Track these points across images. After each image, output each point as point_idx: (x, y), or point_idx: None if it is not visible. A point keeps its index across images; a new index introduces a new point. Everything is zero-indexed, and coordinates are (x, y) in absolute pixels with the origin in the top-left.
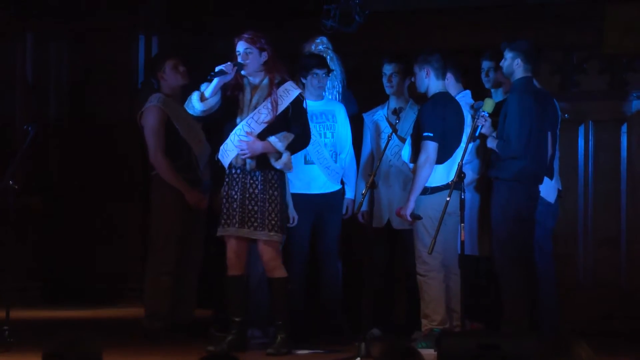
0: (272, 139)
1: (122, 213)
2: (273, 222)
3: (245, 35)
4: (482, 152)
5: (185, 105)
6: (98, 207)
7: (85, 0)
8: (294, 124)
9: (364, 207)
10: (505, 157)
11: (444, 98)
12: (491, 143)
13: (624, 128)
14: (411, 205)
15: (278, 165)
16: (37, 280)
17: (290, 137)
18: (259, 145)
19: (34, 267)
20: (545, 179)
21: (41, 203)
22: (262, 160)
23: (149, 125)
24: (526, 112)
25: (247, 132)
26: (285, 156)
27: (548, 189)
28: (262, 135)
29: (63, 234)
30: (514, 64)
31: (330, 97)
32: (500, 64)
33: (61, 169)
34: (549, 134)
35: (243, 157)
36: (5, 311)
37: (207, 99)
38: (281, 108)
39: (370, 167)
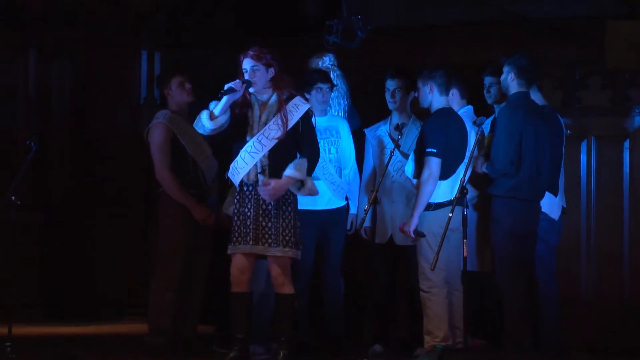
0: (290, 173)
1: (124, 229)
2: (287, 237)
3: (251, 52)
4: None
5: (194, 125)
6: (100, 223)
7: (87, 16)
8: (303, 140)
9: (367, 223)
10: (494, 176)
11: (447, 114)
12: (480, 167)
13: (627, 144)
14: (415, 222)
15: (303, 193)
16: (39, 296)
17: (304, 162)
18: (282, 184)
19: (35, 283)
20: (550, 195)
21: (43, 219)
22: (275, 176)
23: (155, 142)
24: (515, 129)
25: (257, 150)
26: (309, 182)
27: (552, 206)
28: (274, 151)
29: (65, 250)
30: (508, 79)
31: (336, 113)
32: (490, 76)
33: (63, 185)
34: (549, 150)
35: (269, 199)
36: (8, 327)
37: (216, 118)
38: (291, 123)
39: (372, 182)
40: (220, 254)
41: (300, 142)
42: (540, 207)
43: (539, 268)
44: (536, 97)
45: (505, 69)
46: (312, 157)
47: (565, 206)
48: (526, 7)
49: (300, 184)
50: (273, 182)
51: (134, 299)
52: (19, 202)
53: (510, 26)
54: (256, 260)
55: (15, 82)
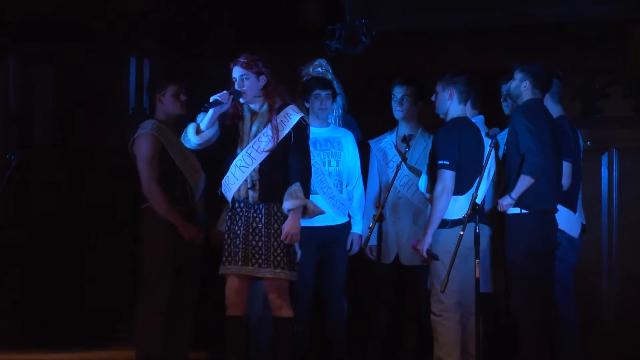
0: (290, 204)
1: (112, 247)
2: (279, 258)
3: (241, 60)
4: (495, 181)
5: (182, 139)
6: (86, 241)
7: (71, 21)
8: (294, 154)
9: (373, 242)
10: (536, 176)
11: (462, 123)
12: (507, 200)
13: None
14: (428, 240)
15: (308, 217)
16: (20, 319)
17: (298, 188)
18: (292, 224)
19: (16, 305)
20: (568, 212)
21: (25, 237)
22: (266, 192)
23: (142, 154)
24: (536, 127)
25: (248, 164)
26: (310, 205)
27: (571, 223)
28: (264, 164)
29: (48, 270)
30: (521, 87)
31: (330, 121)
32: (508, 84)
33: (46, 201)
34: (568, 163)
35: (295, 241)
36: None
37: (202, 132)
38: (282, 134)
39: (377, 198)
40: (212, 274)
41: (290, 155)
42: (557, 223)
43: (557, 289)
44: (554, 108)
45: (518, 76)
46: (305, 177)
47: (584, 223)
48: (541, 11)
49: (303, 209)
50: (285, 227)
51: (122, 322)
52: None
53: (523, 32)
54: (252, 281)
55: None
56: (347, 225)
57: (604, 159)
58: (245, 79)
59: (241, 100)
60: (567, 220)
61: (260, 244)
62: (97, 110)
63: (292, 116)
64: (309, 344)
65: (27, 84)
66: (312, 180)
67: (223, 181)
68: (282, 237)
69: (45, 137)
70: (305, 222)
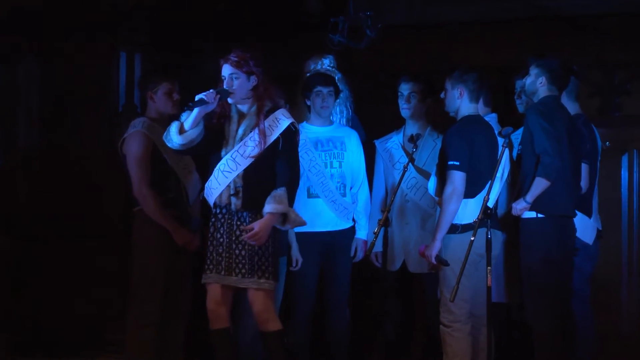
0: (271, 208)
1: (101, 255)
2: (263, 267)
3: (231, 58)
4: (510, 183)
5: (164, 138)
6: (74, 248)
7: (57, 13)
8: (282, 161)
9: (378, 248)
10: (552, 177)
11: (474, 122)
12: (522, 204)
13: None
14: (437, 245)
15: (289, 227)
16: (4, 330)
17: (283, 193)
18: (267, 224)
19: (1, 316)
20: (583, 216)
21: (9, 245)
22: (250, 200)
23: (132, 154)
24: (551, 125)
25: (231, 170)
26: (292, 214)
27: (586, 229)
28: (249, 170)
29: (33, 279)
30: (537, 83)
31: (334, 120)
32: (523, 80)
33: (31, 206)
34: (585, 165)
35: (259, 244)
36: None
37: (186, 132)
38: (270, 140)
39: (383, 201)
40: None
41: (277, 162)
42: (575, 228)
43: (572, 299)
44: (570, 106)
45: (534, 71)
46: (292, 184)
47: (600, 229)
48: (557, 3)
49: (283, 217)
50: (256, 226)
51: (113, 334)
52: None
53: (539, 24)
54: (242, 292)
55: None
56: (351, 231)
57: (624, 160)
58: (235, 78)
59: (229, 100)
60: (582, 226)
61: (244, 252)
62: (85, 108)
63: (281, 121)
64: (309, 356)
65: (10, 82)
66: (313, 183)
67: (206, 185)
68: (247, 235)
69: (30, 137)
70: (306, 228)
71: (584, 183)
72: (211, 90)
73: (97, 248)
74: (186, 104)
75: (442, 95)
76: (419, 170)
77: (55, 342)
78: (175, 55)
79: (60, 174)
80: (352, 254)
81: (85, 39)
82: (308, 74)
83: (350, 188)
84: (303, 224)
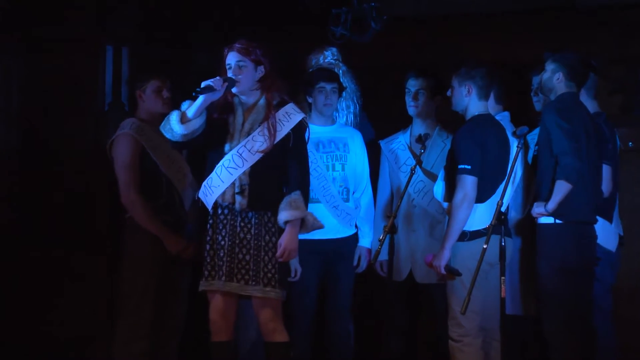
0: (288, 216)
1: (88, 264)
2: (269, 274)
3: (238, 45)
4: (526, 187)
5: (161, 128)
6: (58, 257)
7: (40, 4)
8: (293, 158)
9: (383, 256)
10: (572, 180)
11: (485, 122)
12: (540, 208)
13: None
14: (446, 255)
15: (306, 231)
16: None
17: (298, 197)
18: (290, 239)
19: None
20: (603, 222)
21: None
22: (256, 199)
23: (121, 157)
24: (568, 128)
25: (238, 165)
26: (309, 218)
27: (607, 235)
28: (256, 167)
29: (15, 290)
30: (554, 79)
31: (344, 120)
32: (540, 76)
33: (11, 211)
34: (608, 167)
35: (287, 259)
36: None
37: (189, 120)
38: (280, 135)
39: (389, 207)
40: (201, 293)
41: (289, 160)
42: (596, 235)
43: (593, 311)
44: (589, 104)
45: (550, 67)
46: (304, 184)
47: (622, 235)
48: None
49: (300, 222)
50: (282, 242)
51: (100, 349)
52: None
53: (556, 16)
54: (243, 301)
55: None
56: (354, 238)
57: None
58: (242, 66)
59: (234, 90)
60: (603, 232)
61: (247, 257)
62: (68, 106)
63: (292, 115)
64: None
65: None
66: (313, 187)
67: (204, 183)
68: (279, 254)
69: (9, 137)
70: (306, 235)
71: (605, 186)
72: (218, 77)
73: (83, 256)
74: (179, 102)
75: (448, 93)
76: (427, 173)
77: (39, 357)
78: (166, 50)
79: (42, 176)
80: (355, 263)
81: (69, 32)
82: (310, 69)
83: (353, 192)
84: (321, 227)
